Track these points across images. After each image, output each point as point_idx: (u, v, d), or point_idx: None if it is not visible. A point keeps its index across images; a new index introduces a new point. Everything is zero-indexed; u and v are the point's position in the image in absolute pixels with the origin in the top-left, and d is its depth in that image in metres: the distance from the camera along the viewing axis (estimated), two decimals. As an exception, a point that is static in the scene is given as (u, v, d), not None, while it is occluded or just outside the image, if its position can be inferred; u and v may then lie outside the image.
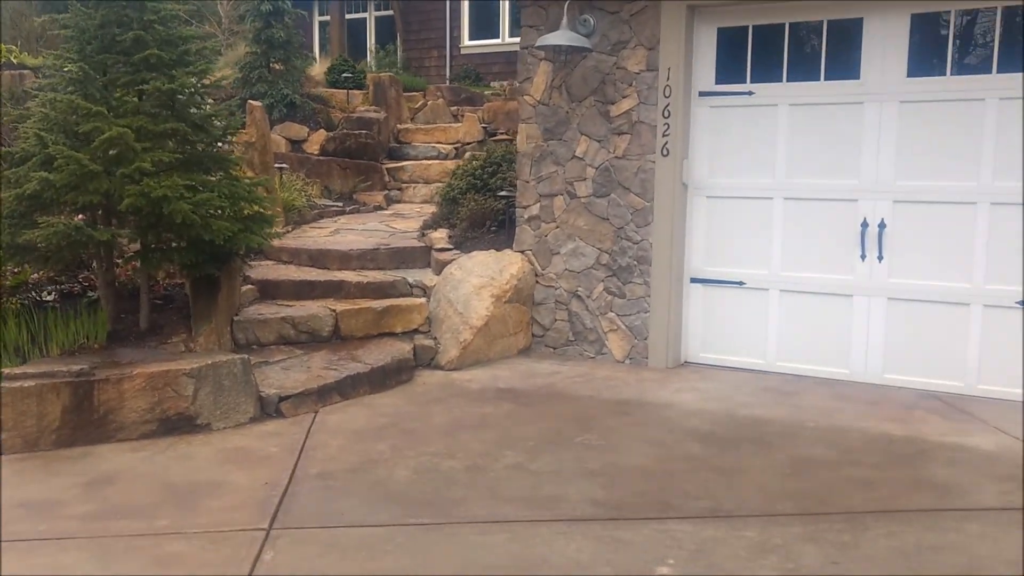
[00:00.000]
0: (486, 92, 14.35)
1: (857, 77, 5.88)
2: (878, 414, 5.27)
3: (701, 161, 6.45)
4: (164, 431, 4.91)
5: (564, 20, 6.43)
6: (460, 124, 12.60)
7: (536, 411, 5.39)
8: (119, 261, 6.26)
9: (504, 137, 11.70)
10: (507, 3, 16.77)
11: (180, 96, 5.75)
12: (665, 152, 6.36)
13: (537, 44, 6.60)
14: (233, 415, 5.09)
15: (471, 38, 17.56)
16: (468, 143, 12.25)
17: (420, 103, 13.90)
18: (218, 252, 5.74)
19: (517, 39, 16.60)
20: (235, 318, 6.22)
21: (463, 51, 17.52)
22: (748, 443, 4.77)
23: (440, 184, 11.41)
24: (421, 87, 14.81)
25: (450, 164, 11.75)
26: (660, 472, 4.37)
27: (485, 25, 17.42)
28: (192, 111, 5.88)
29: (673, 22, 6.27)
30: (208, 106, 6.28)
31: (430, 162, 11.99)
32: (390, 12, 18.90)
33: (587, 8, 6.56)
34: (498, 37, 17.15)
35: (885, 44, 5.75)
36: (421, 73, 16.99)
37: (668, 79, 6.31)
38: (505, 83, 14.92)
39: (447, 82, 16.22)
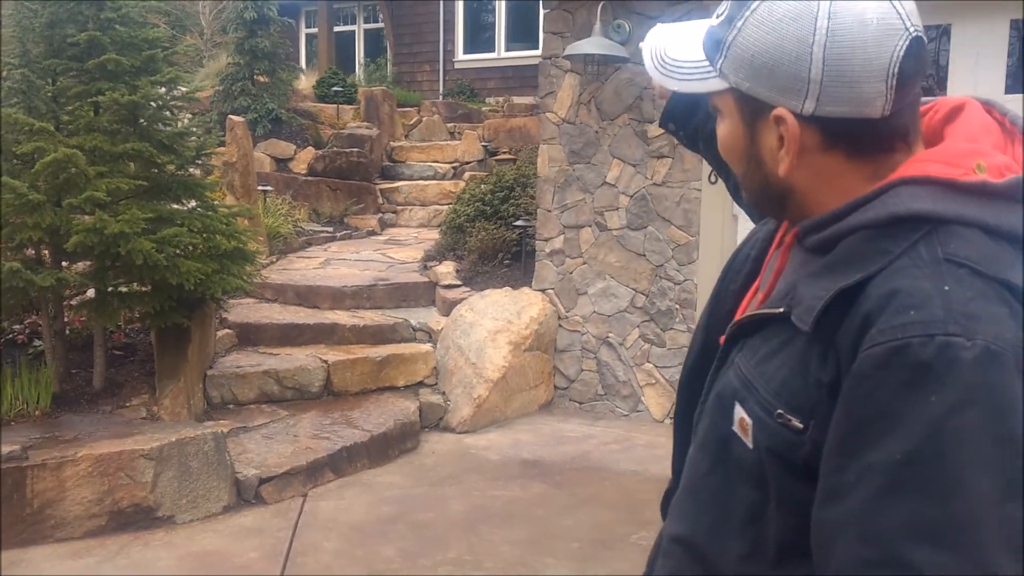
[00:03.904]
0: (484, 108, 13.46)
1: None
2: None
3: (755, 189, 5.54)
4: (115, 527, 3.93)
5: (596, 26, 5.54)
6: (458, 142, 11.72)
7: (573, 494, 4.44)
8: (73, 304, 5.30)
9: (507, 156, 10.83)
10: (504, 17, 16.00)
11: (145, 110, 4.81)
12: (713, 179, 5.38)
13: (564, 54, 5.69)
14: (203, 504, 4.12)
15: (465, 52, 16.74)
16: (467, 162, 11.39)
17: (415, 119, 13.02)
18: (188, 297, 4.79)
19: (513, 54, 16.08)
20: (208, 372, 5.25)
21: (457, 66, 16.69)
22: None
23: (438, 207, 10.56)
24: (415, 102, 13.92)
25: (448, 185, 10.91)
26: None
27: (480, 39, 16.63)
28: (159, 128, 4.93)
29: (723, 28, 5.38)
30: (181, 122, 5.34)
31: (427, 183, 11.11)
32: (380, 25, 18.05)
33: (621, 12, 5.67)
34: (493, 51, 16.34)
35: None
36: (413, 88, 16.12)
37: (718, 94, 5.40)
38: (501, 99, 14.10)
39: (440, 97, 15.35)
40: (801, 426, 0.90)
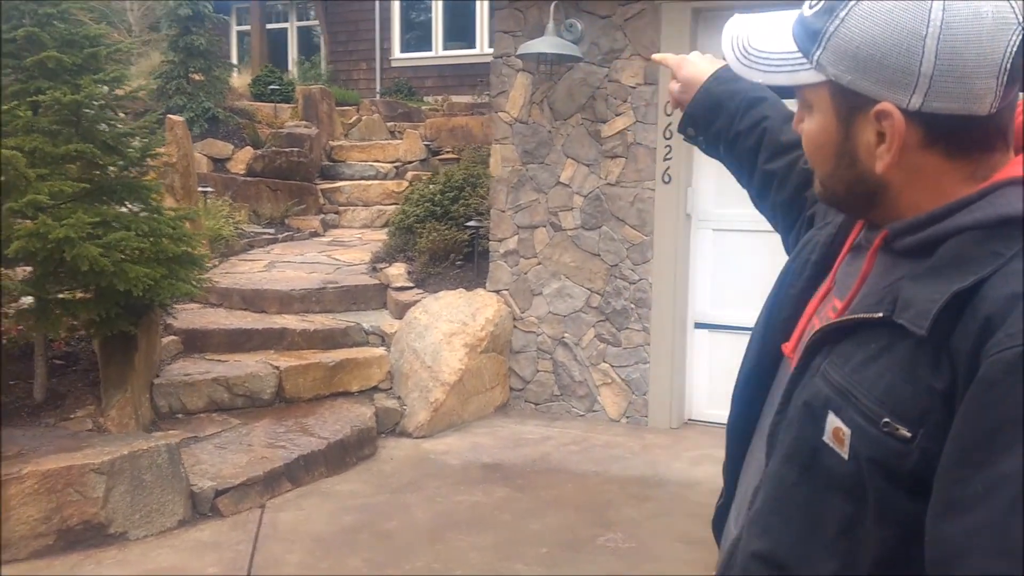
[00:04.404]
0: (424, 107, 13.35)
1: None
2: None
3: (707, 189, 5.59)
4: (65, 546, 3.76)
5: (549, 25, 5.51)
6: (400, 141, 11.57)
7: (537, 497, 4.41)
8: (10, 312, 5.07)
9: (450, 156, 10.75)
10: (440, 16, 15.90)
11: (87, 110, 4.62)
12: (666, 179, 5.49)
13: (518, 52, 5.65)
14: (157, 519, 3.97)
15: (402, 51, 16.59)
16: (409, 162, 11.25)
17: (354, 118, 12.82)
18: (134, 303, 4.61)
19: (450, 52, 16.00)
20: (155, 381, 5.08)
21: (393, 64, 16.53)
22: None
23: (381, 207, 10.43)
24: (354, 101, 13.73)
25: (391, 184, 10.78)
26: (717, 591, 3.44)
27: (416, 38, 16.50)
28: (102, 128, 4.75)
29: (675, 28, 5.41)
30: (120, 123, 5.15)
31: (369, 182, 10.94)
32: (313, 22, 17.77)
33: (573, 12, 5.65)
34: (431, 50, 16.21)
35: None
36: (349, 86, 15.91)
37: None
38: (440, 98, 14.01)
39: (377, 96, 15.17)
40: (909, 435, 0.86)
